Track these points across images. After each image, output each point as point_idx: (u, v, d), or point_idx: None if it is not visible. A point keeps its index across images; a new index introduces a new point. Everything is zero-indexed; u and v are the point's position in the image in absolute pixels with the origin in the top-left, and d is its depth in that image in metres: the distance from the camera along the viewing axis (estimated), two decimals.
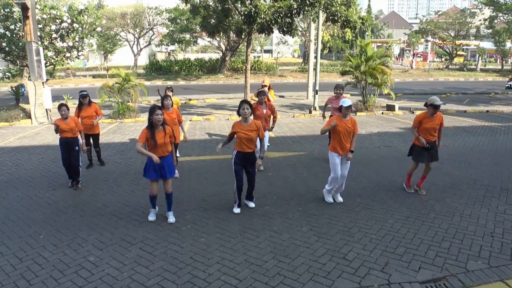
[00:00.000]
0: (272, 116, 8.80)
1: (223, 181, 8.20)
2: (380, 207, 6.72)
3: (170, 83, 33.08)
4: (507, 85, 28.63)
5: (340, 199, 7.03)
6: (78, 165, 7.83)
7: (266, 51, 77.39)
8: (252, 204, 6.75)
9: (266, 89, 10.08)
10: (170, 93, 9.57)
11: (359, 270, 4.79)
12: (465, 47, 60.52)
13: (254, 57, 55.96)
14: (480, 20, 48.49)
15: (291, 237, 5.66)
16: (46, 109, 15.43)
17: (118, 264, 4.98)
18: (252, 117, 6.41)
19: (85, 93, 9.19)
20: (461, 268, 4.81)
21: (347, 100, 6.64)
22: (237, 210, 6.58)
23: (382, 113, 17.41)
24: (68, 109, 7.82)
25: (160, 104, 7.76)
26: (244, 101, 6.42)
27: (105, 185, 8.08)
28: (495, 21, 44.87)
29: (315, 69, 18.87)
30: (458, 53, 58.33)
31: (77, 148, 7.81)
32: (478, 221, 6.16)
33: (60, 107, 7.72)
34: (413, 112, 17.40)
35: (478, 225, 6.02)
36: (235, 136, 6.39)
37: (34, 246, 5.46)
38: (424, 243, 5.45)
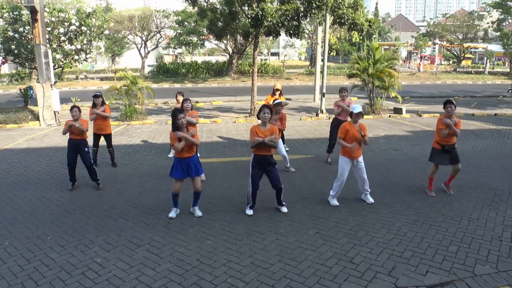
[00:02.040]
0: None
1: (229, 183, 8.21)
2: (387, 211, 6.70)
3: (177, 85, 33.21)
4: (510, 88, 28.41)
5: (371, 200, 7.07)
6: (91, 164, 7.94)
7: (273, 54, 77.45)
8: (284, 209, 6.69)
9: (277, 94, 10.28)
10: (180, 97, 9.85)
11: (366, 273, 4.77)
12: (473, 50, 60.22)
13: (261, 60, 56.03)
14: (488, 23, 48.18)
15: (297, 240, 5.65)
16: (54, 111, 15.55)
17: (124, 265, 5.00)
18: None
19: (98, 93, 9.46)
20: (469, 273, 4.77)
21: (357, 106, 6.75)
22: (249, 211, 6.59)
23: (389, 116, 17.34)
24: (80, 111, 7.89)
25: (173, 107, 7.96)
26: (266, 106, 6.48)
27: (112, 187, 8.12)
28: (503, 23, 44.59)
29: (322, 72, 18.84)
30: (466, 56, 58.03)
31: (86, 149, 7.89)
32: (486, 225, 6.12)
33: (72, 108, 7.83)
34: (420, 115, 17.31)
35: (486, 229, 5.97)
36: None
37: (41, 247, 5.50)
38: (432, 247, 5.42)
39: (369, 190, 7.09)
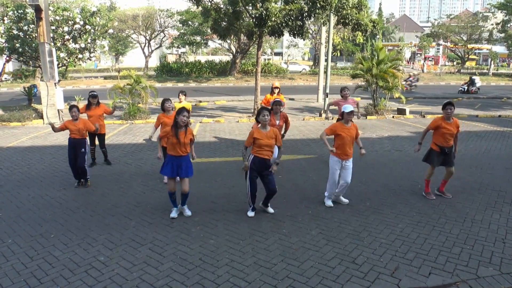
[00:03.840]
0: (284, 125, 8.66)
1: (232, 183, 8.22)
2: (390, 212, 6.68)
3: (180, 85, 33.25)
4: (460, 89, 27.96)
5: (345, 200, 7.04)
6: (84, 165, 7.92)
7: (277, 54, 77.47)
8: (271, 210, 6.67)
9: (276, 92, 10.27)
10: (182, 96, 9.72)
11: (369, 274, 4.77)
12: (477, 51, 59.99)
13: (265, 59, 56.02)
14: (492, 24, 48.04)
15: (300, 240, 5.64)
16: (58, 110, 15.59)
17: (127, 264, 5.01)
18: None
19: (94, 93, 9.36)
20: (472, 274, 4.76)
21: (348, 106, 6.65)
22: (251, 213, 6.56)
23: (393, 117, 17.31)
24: (78, 110, 7.94)
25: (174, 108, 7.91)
26: (265, 108, 6.42)
27: (115, 185, 8.13)
28: (508, 25, 44.43)
29: (325, 72, 18.83)
30: (470, 57, 57.83)
31: (83, 150, 7.91)
32: (490, 226, 6.10)
33: (71, 108, 7.88)
34: (424, 116, 17.27)
35: (490, 230, 5.95)
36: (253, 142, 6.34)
37: (45, 245, 5.52)
38: (435, 248, 5.40)
39: (343, 193, 7.01)
